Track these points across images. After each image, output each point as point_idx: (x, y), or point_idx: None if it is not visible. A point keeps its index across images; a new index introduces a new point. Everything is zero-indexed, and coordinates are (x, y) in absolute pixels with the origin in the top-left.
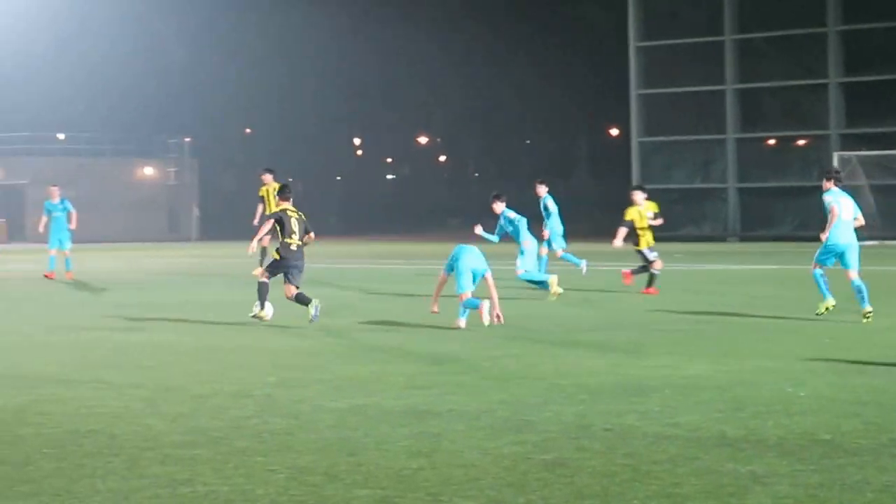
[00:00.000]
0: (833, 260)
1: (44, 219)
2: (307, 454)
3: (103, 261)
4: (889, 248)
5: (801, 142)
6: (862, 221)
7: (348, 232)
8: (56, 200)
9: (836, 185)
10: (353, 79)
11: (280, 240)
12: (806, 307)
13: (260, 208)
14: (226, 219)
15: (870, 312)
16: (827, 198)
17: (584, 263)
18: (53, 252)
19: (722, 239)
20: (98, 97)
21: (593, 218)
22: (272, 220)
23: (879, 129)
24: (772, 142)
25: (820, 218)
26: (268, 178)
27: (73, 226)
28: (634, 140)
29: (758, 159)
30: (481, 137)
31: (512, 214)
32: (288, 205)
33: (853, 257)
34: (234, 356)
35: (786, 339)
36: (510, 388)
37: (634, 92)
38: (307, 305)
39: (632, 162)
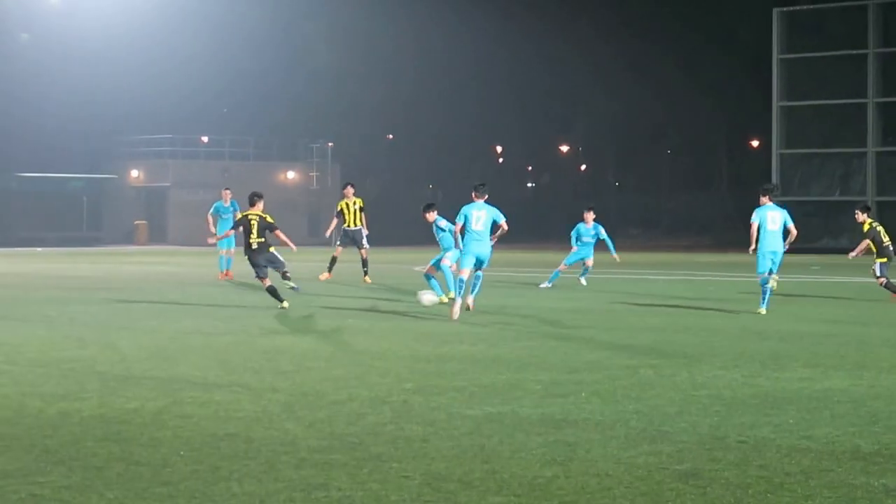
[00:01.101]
0: (769, 264)
1: (211, 219)
2: (442, 461)
3: (245, 264)
4: None
5: None
6: (793, 231)
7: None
8: (227, 203)
9: (770, 201)
10: (494, 85)
11: (245, 242)
12: None
13: (335, 222)
14: (368, 225)
15: (762, 313)
16: (756, 213)
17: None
18: (223, 252)
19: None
20: (242, 100)
21: (731, 229)
22: (238, 225)
23: None
24: None
25: None
26: (349, 191)
27: None
28: (775, 152)
29: None
30: (622, 147)
31: (443, 223)
32: (253, 210)
33: (776, 262)
34: (372, 362)
35: None
36: (646, 398)
37: (777, 104)
38: (279, 301)
39: (772, 174)
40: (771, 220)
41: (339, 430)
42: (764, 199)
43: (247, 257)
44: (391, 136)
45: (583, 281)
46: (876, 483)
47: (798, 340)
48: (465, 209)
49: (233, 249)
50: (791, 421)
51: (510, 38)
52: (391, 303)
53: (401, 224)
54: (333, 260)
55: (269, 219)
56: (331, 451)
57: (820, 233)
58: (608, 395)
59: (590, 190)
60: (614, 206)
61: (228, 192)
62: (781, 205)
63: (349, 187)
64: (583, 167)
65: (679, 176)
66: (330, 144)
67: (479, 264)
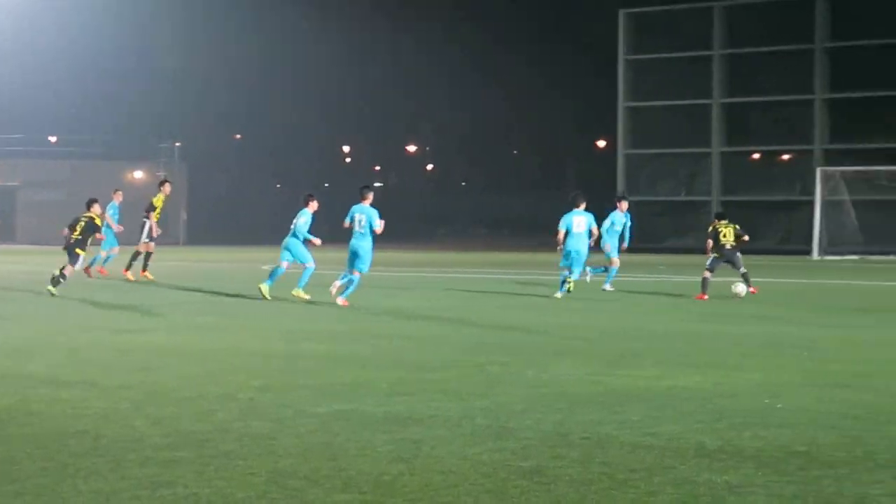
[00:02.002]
0: (569, 261)
1: (111, 220)
2: (288, 458)
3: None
4: (870, 262)
5: (786, 156)
6: (595, 234)
7: (336, 239)
8: (119, 203)
9: (578, 208)
10: (342, 87)
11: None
12: (789, 321)
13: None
14: (214, 224)
15: (557, 297)
16: (563, 220)
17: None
18: (116, 251)
19: (704, 251)
20: (89, 100)
21: None
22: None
23: (863, 146)
24: (756, 156)
25: (804, 232)
26: (167, 188)
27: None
28: (621, 152)
29: (742, 173)
30: (469, 147)
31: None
32: (88, 212)
33: (580, 260)
34: (222, 359)
35: (766, 352)
36: (492, 396)
37: (622, 104)
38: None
39: (617, 174)
40: (576, 224)
41: (187, 428)
42: (578, 207)
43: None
44: (238, 136)
45: (608, 286)
46: (719, 480)
47: (646, 339)
48: (351, 210)
49: (116, 248)
50: (636, 418)
51: (357, 39)
52: (244, 301)
53: (249, 222)
54: (148, 256)
55: (97, 221)
56: (178, 449)
57: (666, 232)
58: (455, 392)
59: (437, 189)
60: (462, 205)
61: (120, 192)
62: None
63: (167, 184)
64: (430, 167)
65: (527, 176)
66: (177, 144)
67: (354, 261)
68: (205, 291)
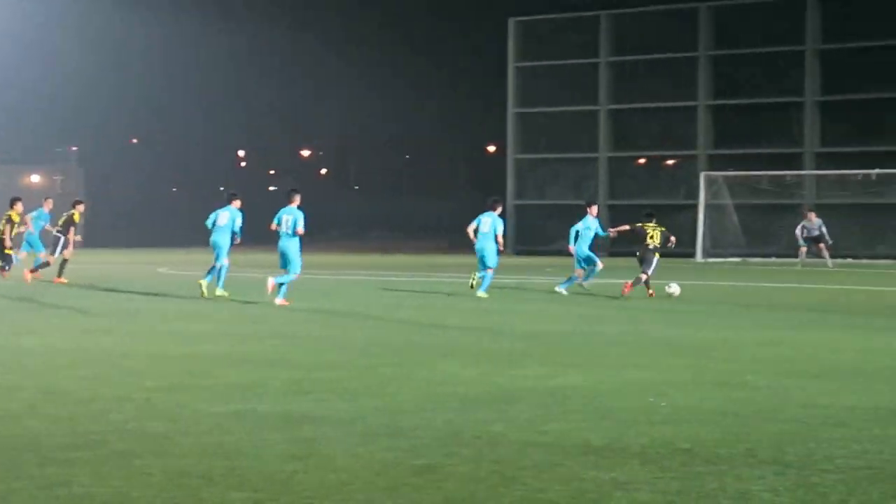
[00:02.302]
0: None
1: (48, 227)
2: (184, 457)
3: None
4: (752, 265)
5: (671, 161)
6: (501, 240)
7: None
8: (48, 210)
9: (493, 211)
10: (238, 91)
11: None
12: (674, 321)
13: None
14: (112, 227)
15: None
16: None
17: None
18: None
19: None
20: None
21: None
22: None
23: (745, 151)
24: (642, 161)
25: (688, 235)
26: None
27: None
28: (510, 157)
29: (628, 178)
30: (363, 151)
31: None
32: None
33: (490, 258)
34: (119, 361)
35: (652, 351)
36: (385, 396)
37: (512, 110)
38: None
39: (507, 178)
40: (483, 223)
41: (83, 428)
42: (498, 209)
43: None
44: (135, 140)
45: (585, 284)
46: (605, 476)
47: (535, 339)
48: (279, 212)
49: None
50: (525, 417)
51: (252, 46)
52: (140, 302)
53: (146, 225)
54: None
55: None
56: (74, 449)
57: (555, 235)
58: (348, 392)
59: (331, 193)
60: (356, 209)
61: (50, 200)
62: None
63: (81, 204)
64: (324, 171)
65: (420, 180)
66: (74, 148)
67: (284, 262)
68: (101, 292)
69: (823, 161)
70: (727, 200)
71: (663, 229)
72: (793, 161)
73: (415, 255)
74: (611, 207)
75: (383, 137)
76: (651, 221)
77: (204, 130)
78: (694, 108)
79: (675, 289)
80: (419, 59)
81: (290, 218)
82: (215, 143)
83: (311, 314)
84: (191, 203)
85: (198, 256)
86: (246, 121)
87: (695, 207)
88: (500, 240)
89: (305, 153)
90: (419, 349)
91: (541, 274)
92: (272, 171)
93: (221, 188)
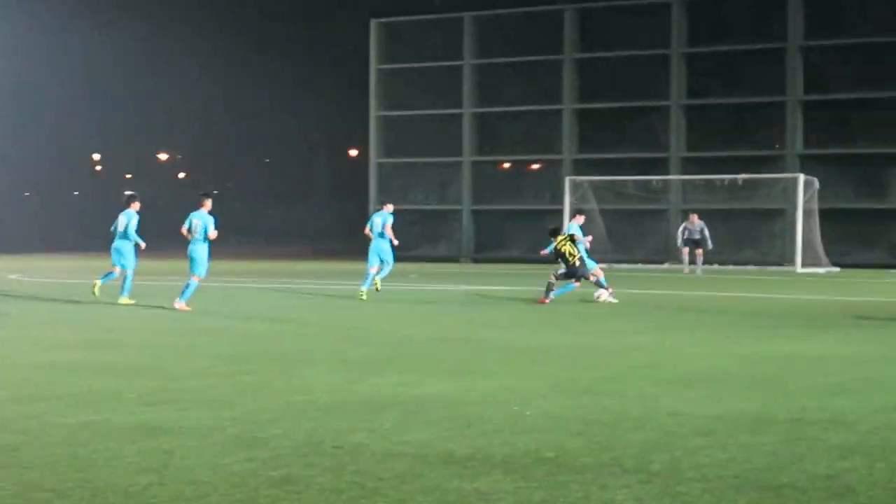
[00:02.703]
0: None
1: None
2: (35, 470)
3: None
4: (617, 271)
5: (535, 166)
6: (390, 233)
7: (88, 248)
8: None
9: (384, 209)
10: (93, 93)
11: None
12: (539, 329)
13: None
14: None
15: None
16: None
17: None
18: None
19: (455, 260)
20: None
21: (331, 238)
22: None
23: (610, 155)
24: (507, 165)
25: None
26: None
27: None
28: (373, 161)
29: (493, 182)
30: (221, 155)
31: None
32: None
33: (374, 257)
34: None
35: (517, 359)
36: (243, 405)
37: (374, 113)
38: None
39: (370, 183)
40: (376, 224)
41: None
42: (388, 207)
43: None
44: None
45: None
46: (468, 487)
47: (398, 346)
48: (189, 216)
49: None
50: (387, 426)
51: (106, 46)
52: None
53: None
54: None
55: None
56: None
57: (418, 241)
58: (205, 402)
59: (189, 198)
60: (214, 213)
61: None
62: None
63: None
64: (182, 175)
65: (280, 184)
66: None
67: (191, 265)
68: None
69: (690, 165)
70: (593, 205)
71: (571, 235)
72: (659, 165)
73: (276, 261)
74: (475, 213)
75: (243, 140)
76: (556, 236)
77: (57, 133)
78: (559, 112)
79: (603, 295)
80: (280, 61)
81: (200, 223)
82: (69, 147)
83: (175, 322)
84: (48, 209)
85: (55, 263)
86: (100, 123)
87: (560, 213)
88: (390, 232)
89: (163, 157)
90: (279, 357)
91: (405, 280)
92: (129, 175)
93: (76, 192)
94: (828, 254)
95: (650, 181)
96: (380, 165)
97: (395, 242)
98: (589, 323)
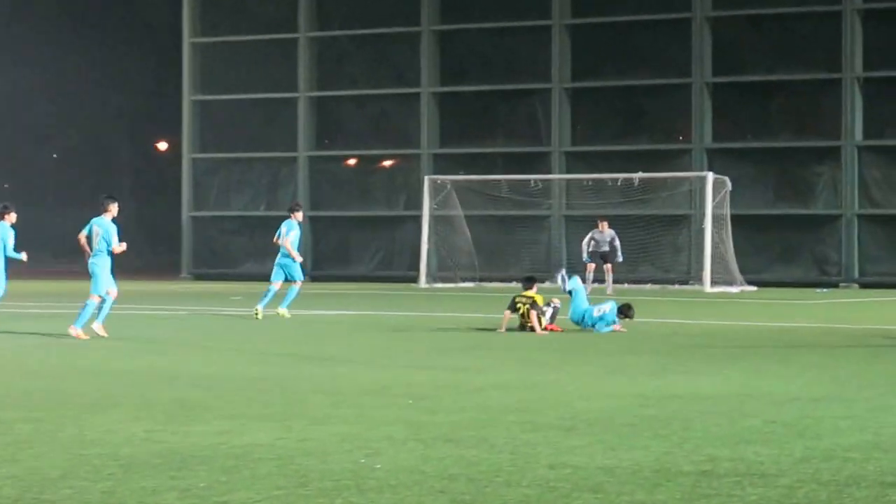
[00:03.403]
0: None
1: None
2: None
3: None
4: (486, 290)
5: (388, 163)
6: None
7: None
8: None
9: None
10: None
11: None
12: (388, 363)
13: None
14: None
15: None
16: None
17: None
18: None
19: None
20: None
21: (136, 249)
22: None
23: (478, 150)
24: (352, 162)
25: (411, 255)
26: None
27: None
28: (186, 156)
29: (335, 183)
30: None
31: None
32: None
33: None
34: None
35: (361, 401)
36: (23, 460)
37: (188, 98)
38: None
39: (182, 182)
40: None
41: None
42: (297, 214)
43: None
44: None
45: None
46: None
47: (214, 386)
48: (90, 222)
49: None
50: (202, 484)
51: None
52: None
53: None
54: None
55: None
56: None
57: (243, 255)
58: None
59: None
60: None
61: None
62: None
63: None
64: None
65: (72, 185)
66: None
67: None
68: None
69: (576, 162)
70: (457, 211)
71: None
72: (538, 162)
73: (62, 280)
74: (315, 221)
75: (23, 132)
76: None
77: None
78: (416, 97)
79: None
80: (69, 40)
81: (101, 231)
82: None
83: None
84: None
85: None
86: None
87: (418, 220)
88: (288, 246)
89: None
90: (67, 399)
91: (227, 304)
92: None
93: None
94: (742, 269)
95: (528, 181)
96: (194, 161)
97: (299, 259)
98: (447, 356)
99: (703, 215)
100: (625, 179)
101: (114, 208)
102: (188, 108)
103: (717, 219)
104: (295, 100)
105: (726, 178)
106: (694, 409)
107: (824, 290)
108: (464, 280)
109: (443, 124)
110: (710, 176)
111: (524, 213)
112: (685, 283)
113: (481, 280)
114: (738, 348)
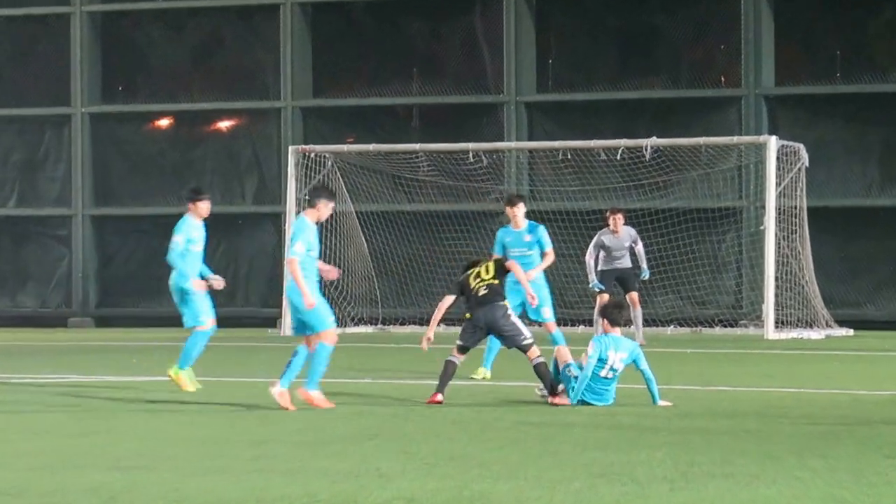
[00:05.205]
0: None
1: None
2: None
3: None
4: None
5: (224, 124)
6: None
7: None
8: None
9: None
10: None
11: None
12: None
13: None
14: None
15: None
16: None
17: None
18: None
19: (62, 320)
20: None
21: None
22: None
23: (372, 101)
24: (159, 124)
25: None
26: None
27: None
28: None
29: (126, 159)
30: None
31: None
32: None
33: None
34: None
35: None
36: None
37: None
38: None
39: None
40: None
41: None
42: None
43: None
44: None
45: None
46: None
47: None
48: None
49: None
50: None
51: None
52: None
53: None
54: None
55: None
56: None
57: None
58: None
59: None
60: None
61: None
62: None
63: None
64: None
65: None
66: None
67: None
68: None
69: (543, 120)
70: (346, 205)
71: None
72: (482, 121)
73: None
74: (97, 221)
75: None
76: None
77: None
78: (271, 10)
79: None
80: None
81: None
82: None
83: None
84: None
85: None
86: None
87: (278, 220)
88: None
89: None
90: None
91: None
92: None
93: None
94: (828, 301)
95: (465, 154)
96: None
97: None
98: (326, 452)
99: (761, 209)
100: (628, 149)
101: None
102: None
103: (785, 215)
104: (67, 15)
105: (800, 146)
106: None
107: None
108: (356, 322)
109: (317, 59)
110: (774, 141)
111: (457, 208)
112: (732, 324)
113: (384, 322)
114: (821, 436)
